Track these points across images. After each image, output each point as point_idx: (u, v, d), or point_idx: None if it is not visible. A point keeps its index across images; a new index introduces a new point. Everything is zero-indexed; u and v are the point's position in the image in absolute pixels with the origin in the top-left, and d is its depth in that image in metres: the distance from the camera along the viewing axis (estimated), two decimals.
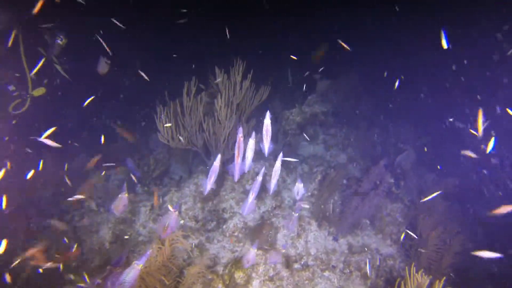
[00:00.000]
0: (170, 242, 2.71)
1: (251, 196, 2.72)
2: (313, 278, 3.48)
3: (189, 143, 4.18)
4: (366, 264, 3.61)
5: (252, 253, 3.07)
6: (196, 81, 4.07)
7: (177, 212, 2.51)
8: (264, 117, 2.39)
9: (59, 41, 3.88)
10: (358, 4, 7.55)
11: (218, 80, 4.10)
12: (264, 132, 2.39)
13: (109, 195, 4.48)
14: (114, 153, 5.57)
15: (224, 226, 3.98)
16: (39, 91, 3.74)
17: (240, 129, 2.47)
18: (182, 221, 4.02)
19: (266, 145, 2.45)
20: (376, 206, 3.89)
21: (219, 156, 2.55)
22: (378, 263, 3.69)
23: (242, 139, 2.44)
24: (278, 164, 2.66)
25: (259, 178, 2.69)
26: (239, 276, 3.30)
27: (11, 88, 3.62)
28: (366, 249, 3.83)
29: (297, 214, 3.28)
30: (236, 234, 3.91)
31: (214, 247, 3.77)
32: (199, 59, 6.29)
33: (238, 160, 2.50)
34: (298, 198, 3.15)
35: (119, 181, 5.00)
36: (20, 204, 4.16)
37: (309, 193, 4.61)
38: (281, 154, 2.71)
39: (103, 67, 4.18)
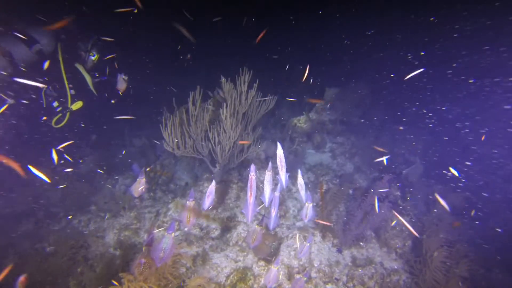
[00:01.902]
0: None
1: (274, 212, 2.73)
2: None
3: (194, 151, 4.21)
4: (369, 278, 3.56)
5: (274, 271, 2.94)
6: (201, 91, 4.09)
7: (173, 234, 2.29)
8: (274, 145, 2.33)
9: (92, 57, 4.07)
10: (367, 13, 7.50)
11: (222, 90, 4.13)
12: (278, 163, 2.29)
13: (116, 200, 4.54)
14: (122, 158, 5.67)
15: (228, 235, 3.98)
16: (77, 105, 3.91)
17: (253, 167, 2.35)
18: (186, 228, 4.04)
19: (283, 177, 2.35)
20: (382, 219, 3.83)
21: (213, 182, 2.60)
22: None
23: (254, 177, 2.32)
24: (300, 180, 2.67)
25: (277, 193, 2.68)
26: (241, 287, 3.29)
27: (55, 104, 3.83)
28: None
29: (308, 244, 3.21)
30: (239, 243, 3.90)
31: (217, 256, 3.77)
32: (208, 66, 6.32)
33: (251, 200, 2.41)
34: (306, 220, 2.97)
35: (126, 186, 5.07)
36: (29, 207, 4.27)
37: (314, 203, 4.58)
38: (300, 172, 2.72)
39: (121, 84, 4.36)
